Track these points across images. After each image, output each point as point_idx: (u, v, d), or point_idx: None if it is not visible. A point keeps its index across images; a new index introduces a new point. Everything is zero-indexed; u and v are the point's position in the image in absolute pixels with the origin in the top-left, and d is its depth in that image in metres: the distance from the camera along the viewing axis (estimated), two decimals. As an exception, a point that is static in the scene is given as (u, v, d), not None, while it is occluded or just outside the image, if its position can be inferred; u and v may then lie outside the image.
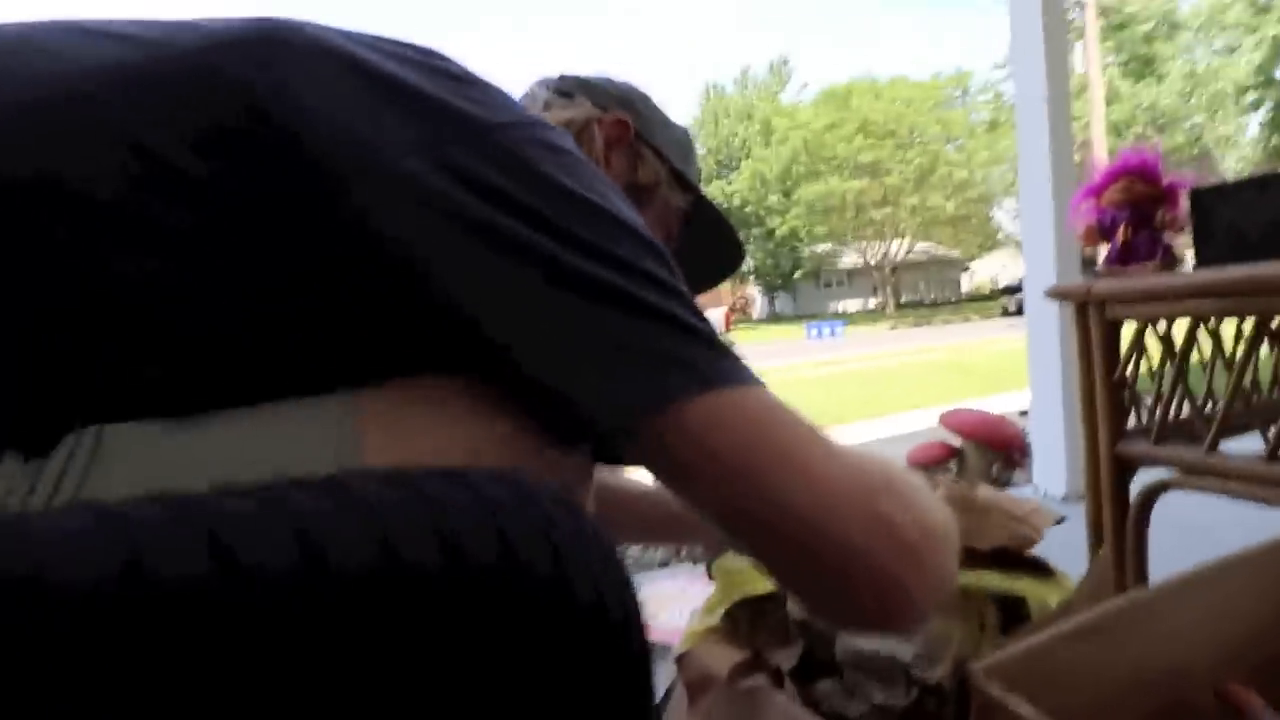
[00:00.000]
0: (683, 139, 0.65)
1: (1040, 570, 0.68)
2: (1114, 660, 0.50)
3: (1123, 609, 0.50)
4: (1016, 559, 0.65)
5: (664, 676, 0.83)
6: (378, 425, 0.31)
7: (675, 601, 1.28)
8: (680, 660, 0.78)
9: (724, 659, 0.74)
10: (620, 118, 0.59)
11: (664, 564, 1.63)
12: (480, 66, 0.38)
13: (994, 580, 0.61)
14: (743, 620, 0.78)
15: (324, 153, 0.31)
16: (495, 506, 0.24)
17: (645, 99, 0.64)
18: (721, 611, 0.76)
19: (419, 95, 0.34)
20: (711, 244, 0.67)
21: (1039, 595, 0.60)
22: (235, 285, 0.31)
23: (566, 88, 0.61)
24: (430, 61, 0.36)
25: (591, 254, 0.33)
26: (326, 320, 0.32)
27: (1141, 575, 0.84)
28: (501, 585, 0.22)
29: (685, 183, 0.63)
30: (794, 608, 0.75)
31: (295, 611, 0.20)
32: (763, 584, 0.76)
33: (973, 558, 0.64)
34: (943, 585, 0.34)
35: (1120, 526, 0.84)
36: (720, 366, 0.33)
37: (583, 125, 0.57)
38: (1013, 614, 0.61)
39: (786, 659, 0.71)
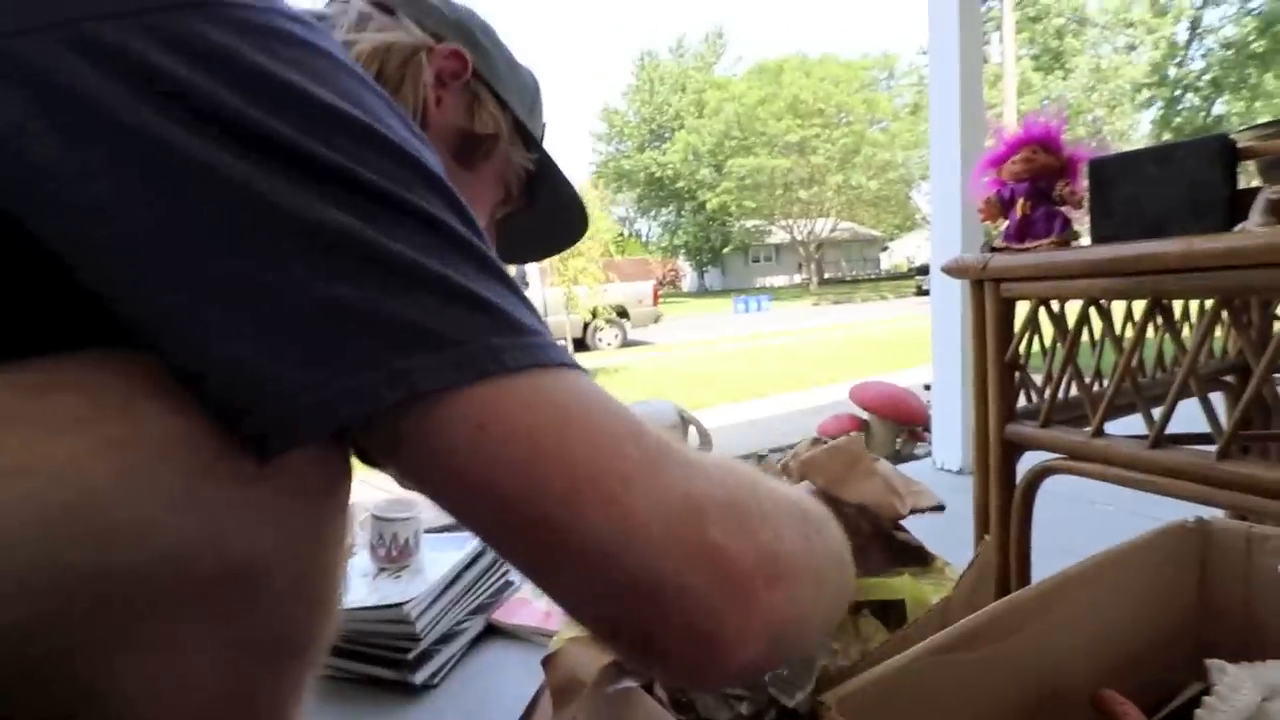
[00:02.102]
0: (530, 85, 0.56)
1: (919, 558, 0.64)
2: (989, 667, 0.46)
3: (996, 615, 0.46)
4: (896, 546, 0.61)
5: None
6: None
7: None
8: (546, 662, 0.70)
9: (592, 661, 0.67)
10: (457, 49, 0.49)
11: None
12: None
13: (867, 587, 0.56)
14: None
15: None
16: None
17: (488, 30, 0.53)
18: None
19: None
20: (554, 211, 0.58)
21: (918, 593, 0.56)
22: None
23: (391, 2, 0.49)
24: None
25: (313, 175, 0.23)
26: None
27: (1024, 558, 0.82)
28: None
29: (530, 139, 0.54)
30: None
31: None
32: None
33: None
34: (781, 630, 0.26)
35: (1006, 510, 0.82)
36: (501, 345, 0.24)
37: (408, 54, 0.47)
38: (898, 614, 0.57)
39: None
